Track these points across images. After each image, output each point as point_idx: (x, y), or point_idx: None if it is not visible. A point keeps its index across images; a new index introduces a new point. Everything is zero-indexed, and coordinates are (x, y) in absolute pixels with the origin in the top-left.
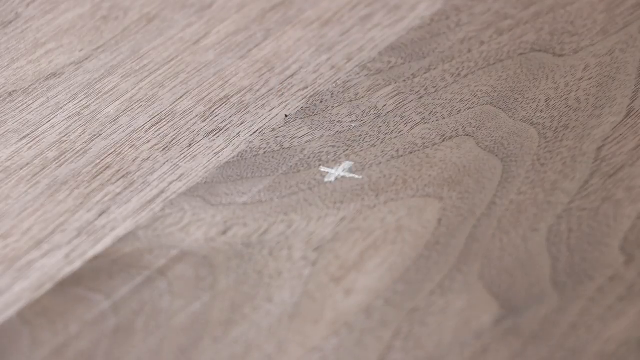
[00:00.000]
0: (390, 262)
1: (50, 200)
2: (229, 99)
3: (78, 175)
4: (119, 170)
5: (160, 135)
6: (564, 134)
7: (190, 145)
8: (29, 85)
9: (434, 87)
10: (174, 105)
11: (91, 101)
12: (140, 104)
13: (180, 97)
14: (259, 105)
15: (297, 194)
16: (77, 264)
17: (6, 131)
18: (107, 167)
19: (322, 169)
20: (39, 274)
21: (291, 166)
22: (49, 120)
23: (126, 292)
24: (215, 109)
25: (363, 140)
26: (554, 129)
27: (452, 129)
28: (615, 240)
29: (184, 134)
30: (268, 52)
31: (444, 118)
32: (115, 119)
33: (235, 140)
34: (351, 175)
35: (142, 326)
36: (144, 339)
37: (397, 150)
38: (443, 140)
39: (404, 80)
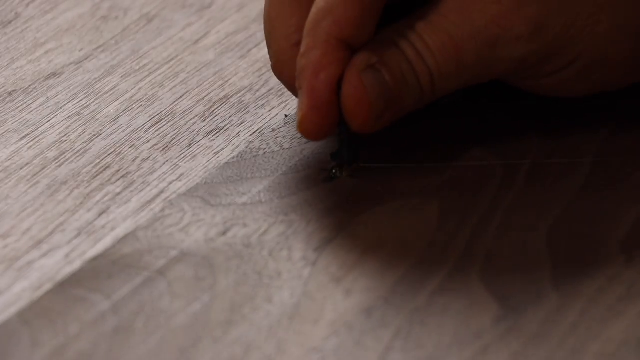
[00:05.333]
0: (390, 262)
1: (50, 200)
2: (228, 99)
3: (78, 175)
4: (118, 170)
5: (160, 135)
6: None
7: (190, 145)
8: (28, 85)
9: None
10: (173, 105)
11: (91, 101)
12: (140, 104)
13: (180, 97)
14: (259, 105)
15: (297, 194)
16: (77, 264)
17: (6, 131)
18: (107, 167)
19: (322, 169)
20: (39, 274)
21: (291, 167)
22: (49, 120)
23: (126, 293)
24: (215, 108)
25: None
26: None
27: None
28: (615, 239)
29: (184, 134)
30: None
31: None
32: (115, 119)
33: (235, 140)
34: (351, 175)
35: (141, 327)
36: (143, 339)
37: (398, 150)
38: None
39: None
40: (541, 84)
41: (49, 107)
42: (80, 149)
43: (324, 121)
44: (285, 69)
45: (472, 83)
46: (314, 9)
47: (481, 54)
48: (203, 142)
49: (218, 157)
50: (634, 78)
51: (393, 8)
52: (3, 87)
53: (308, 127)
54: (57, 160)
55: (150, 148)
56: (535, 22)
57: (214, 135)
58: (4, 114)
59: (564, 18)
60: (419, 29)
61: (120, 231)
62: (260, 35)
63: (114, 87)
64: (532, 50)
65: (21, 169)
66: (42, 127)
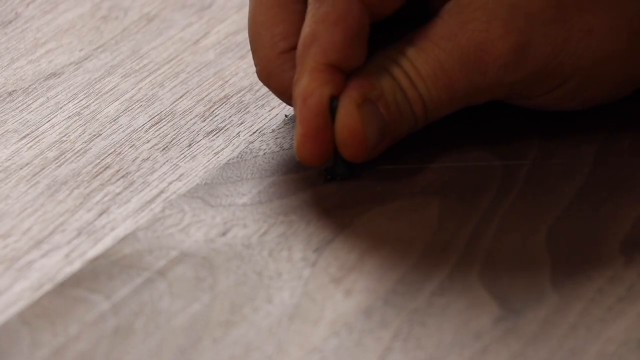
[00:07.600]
0: (390, 262)
1: (50, 200)
2: (228, 99)
3: (78, 175)
4: (118, 170)
5: (160, 135)
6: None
7: (190, 145)
8: (28, 85)
9: None
10: (173, 105)
11: (91, 101)
12: (140, 104)
13: (180, 97)
14: (259, 105)
15: (297, 195)
16: (77, 265)
17: (6, 131)
18: (107, 167)
19: (322, 169)
20: (39, 274)
21: (291, 167)
22: (49, 120)
23: (126, 293)
24: (215, 108)
25: None
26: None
27: None
28: (615, 240)
29: (184, 134)
30: None
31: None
32: (115, 119)
33: (235, 140)
34: (351, 175)
35: (141, 327)
36: (143, 339)
37: (398, 150)
38: None
39: None
40: (532, 103)
41: (49, 107)
42: (80, 149)
43: (319, 148)
44: (271, 77)
45: (464, 107)
46: (301, 35)
47: (471, 81)
48: (203, 142)
49: (218, 157)
50: (624, 93)
51: (382, 27)
52: (3, 87)
53: (304, 154)
54: (57, 160)
55: (150, 148)
56: (522, 49)
57: (214, 135)
58: (4, 114)
59: (552, 45)
60: (411, 56)
61: (120, 231)
62: None
63: (114, 87)
64: (521, 76)
65: (21, 169)
66: (42, 127)
